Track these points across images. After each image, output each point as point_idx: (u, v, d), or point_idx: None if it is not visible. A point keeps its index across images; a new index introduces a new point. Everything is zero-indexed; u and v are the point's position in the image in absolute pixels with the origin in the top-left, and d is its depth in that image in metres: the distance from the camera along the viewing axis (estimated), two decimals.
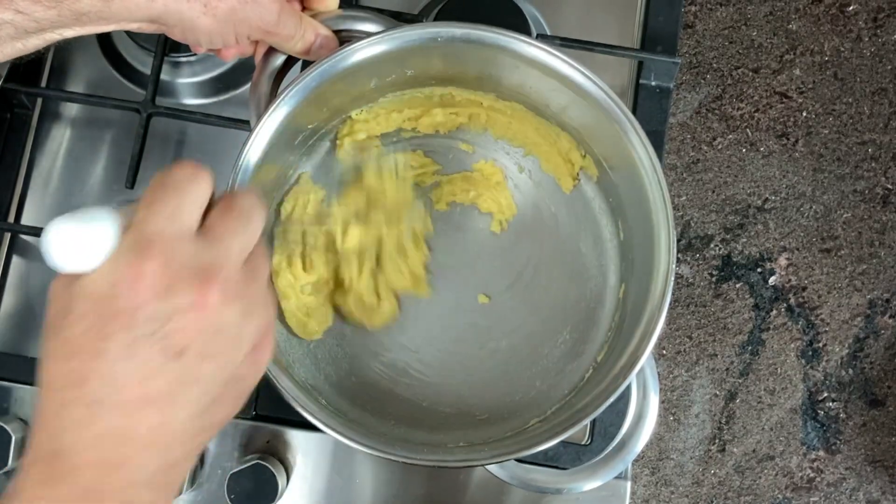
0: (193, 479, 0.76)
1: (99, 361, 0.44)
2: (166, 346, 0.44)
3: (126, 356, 0.44)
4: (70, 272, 0.45)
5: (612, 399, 0.63)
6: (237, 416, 0.78)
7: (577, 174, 0.75)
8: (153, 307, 0.44)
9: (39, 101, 0.86)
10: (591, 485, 0.68)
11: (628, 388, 0.66)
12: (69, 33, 0.60)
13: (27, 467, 0.45)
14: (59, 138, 0.86)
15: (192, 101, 0.87)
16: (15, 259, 0.84)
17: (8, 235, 0.84)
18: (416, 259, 0.73)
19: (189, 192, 0.48)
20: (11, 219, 0.84)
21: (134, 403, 0.44)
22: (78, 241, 0.45)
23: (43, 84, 0.87)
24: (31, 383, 0.79)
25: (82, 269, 0.45)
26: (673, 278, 0.65)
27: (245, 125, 0.76)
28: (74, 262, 0.45)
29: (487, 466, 0.67)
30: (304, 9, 0.70)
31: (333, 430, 0.63)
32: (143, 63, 0.86)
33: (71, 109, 0.86)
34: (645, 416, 0.68)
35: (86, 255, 0.45)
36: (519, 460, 0.66)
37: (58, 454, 0.44)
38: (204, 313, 0.45)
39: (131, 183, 0.80)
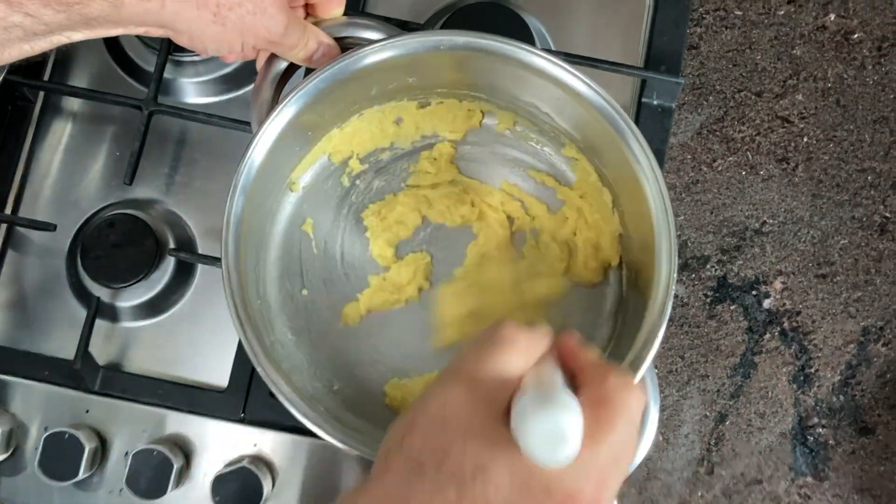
0: (179, 481, 0.76)
1: None
2: None
3: None
4: (549, 466, 0.43)
5: None
6: (225, 419, 0.78)
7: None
8: None
9: (42, 94, 0.86)
10: None
11: None
12: (77, 36, 0.60)
13: None
14: (60, 132, 0.86)
15: (194, 100, 0.87)
16: (11, 252, 0.83)
17: (4, 227, 0.84)
18: None
19: (637, 424, 0.48)
20: (8, 211, 0.84)
21: None
22: (566, 437, 0.42)
23: (46, 78, 0.87)
24: (24, 377, 0.79)
25: (561, 463, 0.43)
26: (674, 287, 0.65)
27: (247, 127, 0.76)
28: (557, 456, 0.42)
29: None
30: (307, 15, 0.70)
31: (333, 437, 0.63)
32: (146, 61, 0.86)
33: (73, 104, 0.86)
34: (645, 427, 0.68)
35: (567, 452, 0.42)
36: None
37: None
38: None
39: (130, 179, 0.80)
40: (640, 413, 0.48)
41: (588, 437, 0.44)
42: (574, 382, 0.49)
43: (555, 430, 0.42)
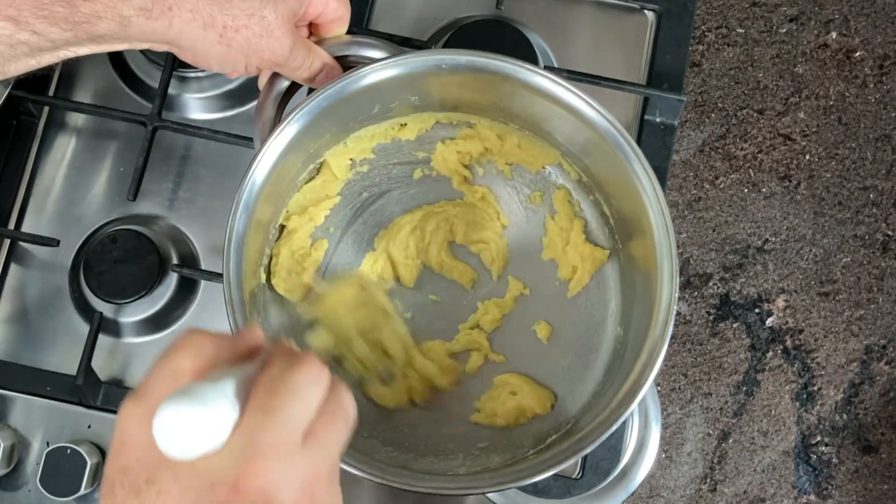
0: None
1: None
2: None
3: None
4: (175, 458, 0.43)
5: (613, 428, 0.63)
6: None
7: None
8: None
9: (46, 109, 0.87)
10: None
11: (626, 421, 0.66)
12: (83, 51, 0.60)
13: None
14: (64, 147, 0.86)
15: (198, 116, 0.87)
16: (13, 266, 0.84)
17: (7, 242, 0.84)
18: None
19: (307, 398, 0.47)
20: (12, 226, 0.84)
21: None
22: (193, 429, 0.42)
23: (50, 93, 0.87)
24: (26, 392, 0.79)
25: (188, 456, 0.43)
26: (676, 306, 0.65)
27: (251, 142, 0.76)
28: (184, 449, 0.43)
29: (488, 494, 0.66)
30: (310, 34, 0.70)
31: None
32: (151, 76, 0.86)
33: (77, 119, 0.87)
34: (646, 446, 0.68)
35: (197, 444, 0.43)
36: (519, 488, 0.66)
37: None
38: None
39: (133, 195, 0.80)
40: (311, 387, 0.47)
41: (251, 424, 0.44)
42: None
43: (177, 425, 0.42)
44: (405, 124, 0.76)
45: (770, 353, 1.21)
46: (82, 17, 0.56)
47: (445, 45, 0.85)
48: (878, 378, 1.21)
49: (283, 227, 0.75)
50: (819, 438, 1.20)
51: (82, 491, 0.74)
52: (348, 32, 0.72)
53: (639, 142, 0.85)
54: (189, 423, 0.42)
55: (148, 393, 0.46)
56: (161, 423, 0.42)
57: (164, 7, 0.59)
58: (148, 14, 0.58)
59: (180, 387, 0.44)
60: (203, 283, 0.83)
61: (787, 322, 1.22)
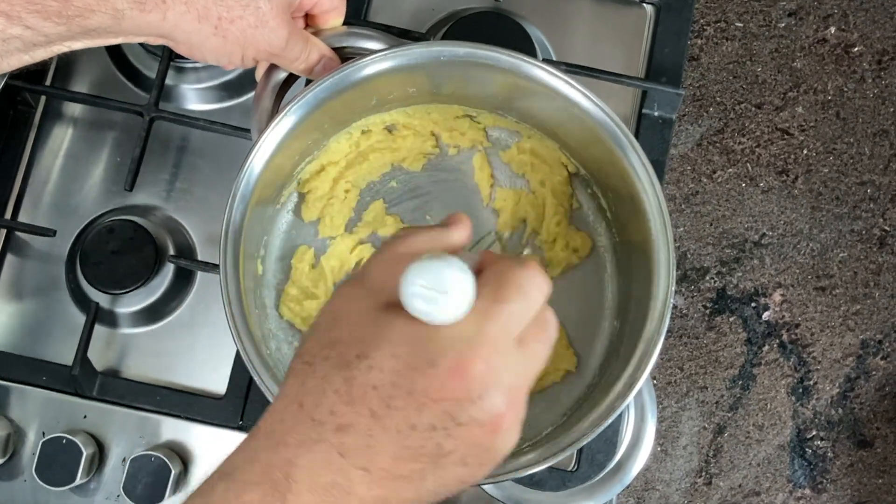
0: (176, 488, 0.76)
1: (370, 421, 0.43)
2: (438, 445, 0.44)
3: (397, 432, 0.43)
4: (424, 318, 0.43)
5: (609, 421, 0.63)
6: (223, 426, 0.78)
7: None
8: (453, 409, 0.44)
9: (43, 99, 0.86)
10: None
11: (621, 414, 0.66)
12: (77, 45, 0.60)
13: (245, 457, 0.46)
14: (61, 138, 0.86)
15: (195, 106, 0.87)
16: (10, 257, 0.83)
17: (3, 232, 0.84)
18: None
19: (533, 300, 0.47)
20: (8, 216, 0.84)
21: (375, 474, 0.44)
22: (443, 296, 0.42)
23: (47, 83, 0.87)
24: (22, 382, 0.79)
25: (430, 319, 0.43)
26: (672, 300, 0.65)
27: (248, 133, 0.76)
28: (431, 312, 0.43)
29: (483, 486, 0.66)
30: (307, 26, 0.70)
31: None
32: (148, 67, 0.86)
33: (74, 109, 0.87)
34: (642, 440, 0.68)
35: (440, 312, 0.43)
36: (515, 480, 0.66)
37: (287, 478, 0.44)
38: (492, 435, 0.45)
39: (130, 186, 0.80)
40: (536, 290, 0.47)
41: (478, 312, 0.44)
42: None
43: (434, 282, 0.42)
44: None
45: (766, 348, 1.22)
46: (75, 11, 0.56)
47: (444, 37, 0.85)
48: (874, 373, 1.22)
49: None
50: (814, 433, 1.20)
51: (78, 481, 0.74)
52: (345, 24, 0.72)
53: (637, 135, 0.85)
54: (442, 282, 0.42)
55: (369, 277, 0.47)
56: (414, 282, 0.42)
57: (157, 0, 0.58)
58: (142, 7, 0.58)
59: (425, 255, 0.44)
60: (200, 273, 0.83)
61: (783, 316, 1.22)
